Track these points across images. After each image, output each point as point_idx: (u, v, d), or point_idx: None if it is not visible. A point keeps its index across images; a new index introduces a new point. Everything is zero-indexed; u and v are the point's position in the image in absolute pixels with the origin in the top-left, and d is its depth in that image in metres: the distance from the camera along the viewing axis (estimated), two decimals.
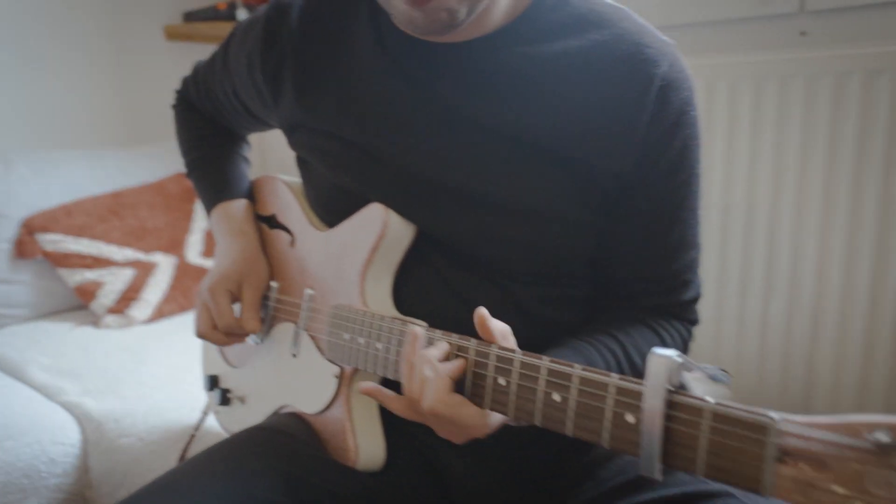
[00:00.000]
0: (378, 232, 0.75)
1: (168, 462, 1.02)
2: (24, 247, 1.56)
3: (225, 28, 2.05)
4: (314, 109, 0.80)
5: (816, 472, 0.40)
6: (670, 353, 0.48)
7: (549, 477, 0.77)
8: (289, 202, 0.92)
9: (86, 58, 1.97)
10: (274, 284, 0.91)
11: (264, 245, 0.94)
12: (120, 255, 1.61)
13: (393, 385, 0.71)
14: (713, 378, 0.50)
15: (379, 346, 0.72)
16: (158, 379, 1.26)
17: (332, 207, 0.83)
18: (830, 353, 1.26)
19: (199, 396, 1.19)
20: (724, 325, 1.36)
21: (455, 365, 0.62)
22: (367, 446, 0.76)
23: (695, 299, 0.81)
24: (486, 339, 0.61)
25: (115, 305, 1.54)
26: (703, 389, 0.51)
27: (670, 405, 0.47)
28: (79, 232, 1.59)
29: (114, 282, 1.56)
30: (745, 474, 0.43)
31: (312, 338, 0.83)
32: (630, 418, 0.49)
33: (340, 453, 0.77)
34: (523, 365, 0.58)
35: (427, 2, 0.64)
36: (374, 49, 0.77)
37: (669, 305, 0.79)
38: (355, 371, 0.77)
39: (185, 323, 1.55)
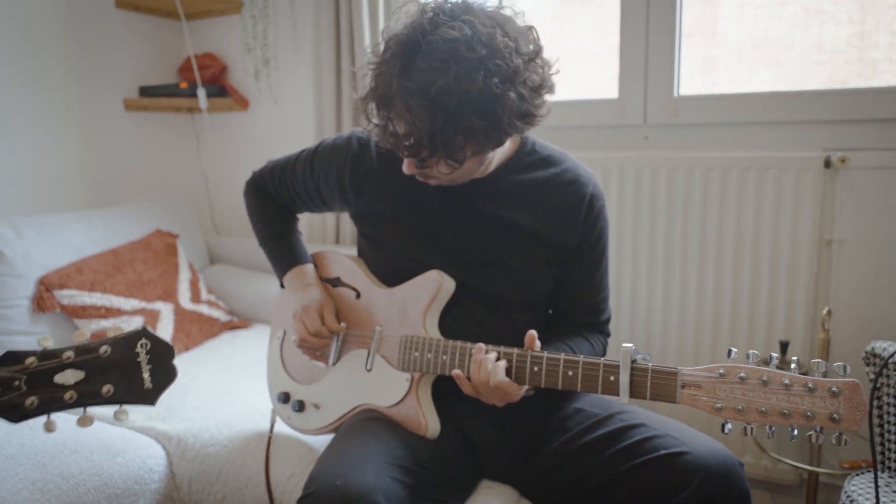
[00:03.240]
0: (436, 288, 1.23)
1: (255, 460, 1.39)
2: (43, 302, 1.80)
3: (185, 102, 2.38)
4: (391, 206, 1.27)
5: (697, 391, 0.96)
6: (629, 345, 1.02)
7: (535, 430, 1.28)
8: (352, 268, 1.37)
9: (55, 129, 2.20)
10: (343, 325, 1.34)
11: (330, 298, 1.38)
12: (128, 305, 1.89)
13: (443, 380, 1.20)
14: (644, 358, 1.05)
15: (445, 357, 1.19)
16: (208, 404, 1.60)
17: (397, 269, 1.29)
18: (693, 334, 1.91)
19: (251, 412, 1.57)
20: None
21: (503, 363, 1.12)
22: (432, 422, 1.23)
23: (607, 320, 1.37)
24: (530, 347, 1.12)
25: None
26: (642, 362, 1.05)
27: (632, 369, 1.01)
28: (91, 287, 1.86)
29: (128, 328, 1.85)
30: (667, 395, 0.99)
31: (383, 357, 1.28)
32: (612, 378, 1.03)
33: (415, 428, 1.22)
34: (548, 360, 1.09)
35: (429, 181, 1.17)
36: None
37: (592, 324, 1.35)
38: (422, 375, 1.24)
39: (195, 359, 1.88)
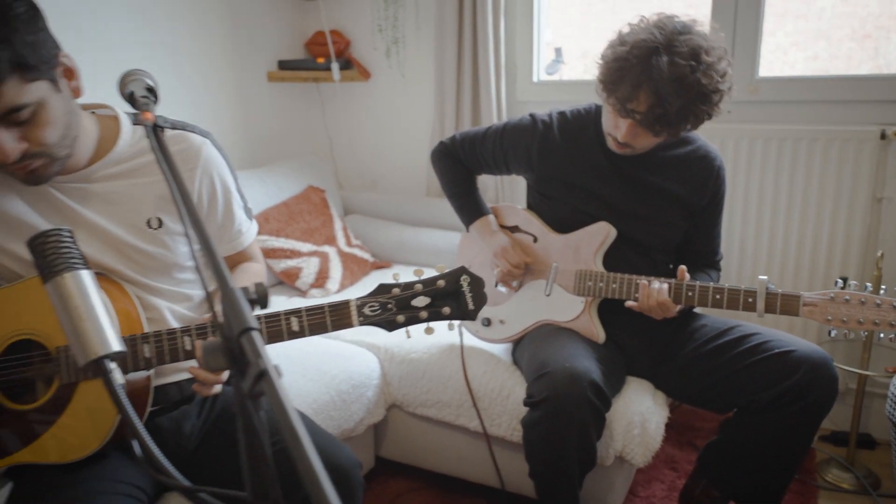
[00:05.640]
0: (605, 235, 1.67)
1: (453, 362, 1.84)
2: None
3: (319, 74, 2.76)
4: (570, 172, 1.69)
5: (814, 308, 1.41)
6: (764, 277, 1.46)
7: (669, 340, 1.73)
8: (529, 219, 1.80)
9: (220, 100, 2.59)
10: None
11: None
12: (304, 248, 2.32)
13: (608, 303, 1.65)
14: (770, 286, 1.49)
15: (615, 286, 1.63)
16: None
17: (569, 220, 1.72)
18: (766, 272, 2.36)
19: (438, 328, 2.01)
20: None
21: (665, 286, 1.56)
22: (601, 332, 1.68)
23: (720, 259, 1.81)
24: (682, 278, 1.55)
25: (315, 282, 2.27)
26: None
27: (766, 295, 1.45)
28: (276, 233, 2.28)
29: (308, 266, 2.29)
30: (792, 311, 1.44)
31: (559, 285, 1.72)
32: (751, 299, 1.47)
33: (589, 335, 1.67)
34: (700, 287, 1.53)
35: (622, 149, 1.57)
36: (597, 148, 1.68)
37: (710, 263, 1.79)
38: (594, 299, 1.68)
39: (358, 291, 2.32)
